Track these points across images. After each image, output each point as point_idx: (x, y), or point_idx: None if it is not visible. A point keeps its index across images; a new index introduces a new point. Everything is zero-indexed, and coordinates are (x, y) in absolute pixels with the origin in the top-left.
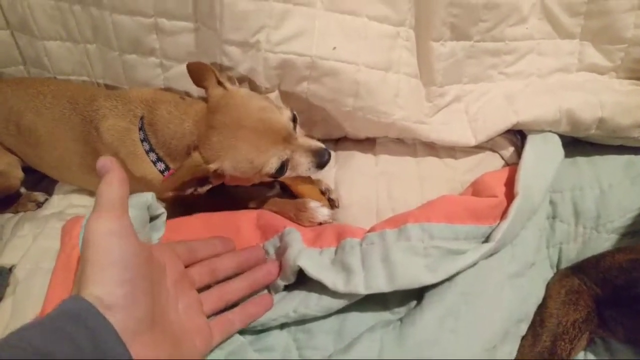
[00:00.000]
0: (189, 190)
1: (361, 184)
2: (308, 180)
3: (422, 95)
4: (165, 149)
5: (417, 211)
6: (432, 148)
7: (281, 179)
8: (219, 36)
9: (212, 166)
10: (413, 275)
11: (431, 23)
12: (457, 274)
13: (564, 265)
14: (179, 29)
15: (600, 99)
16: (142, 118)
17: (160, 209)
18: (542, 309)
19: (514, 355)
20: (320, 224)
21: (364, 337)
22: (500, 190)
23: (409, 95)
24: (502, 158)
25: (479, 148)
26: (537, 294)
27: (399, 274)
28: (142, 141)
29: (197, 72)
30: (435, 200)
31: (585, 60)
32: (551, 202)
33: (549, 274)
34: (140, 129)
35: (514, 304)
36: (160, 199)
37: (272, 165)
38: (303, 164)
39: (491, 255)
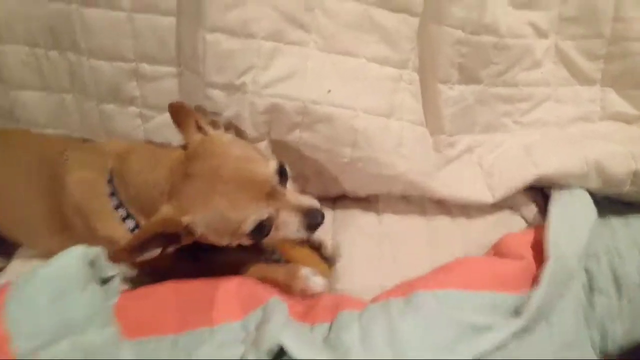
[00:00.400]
0: (156, 251)
1: (363, 247)
2: (301, 242)
3: (429, 145)
4: (136, 204)
5: (430, 276)
6: (443, 206)
7: (266, 241)
8: (202, 78)
9: (184, 219)
10: (426, 355)
11: (438, 63)
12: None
13: (611, 350)
14: (160, 74)
15: (631, 150)
16: (111, 170)
17: (113, 271)
18: None
19: None
20: (314, 294)
21: None
22: (527, 252)
23: (414, 144)
24: (524, 219)
25: (497, 207)
26: None
27: (408, 353)
28: (110, 195)
29: (178, 114)
30: (451, 263)
31: (608, 108)
32: (586, 271)
33: None
34: (110, 181)
35: None
36: (128, 263)
37: (249, 224)
38: (290, 225)
39: (524, 335)
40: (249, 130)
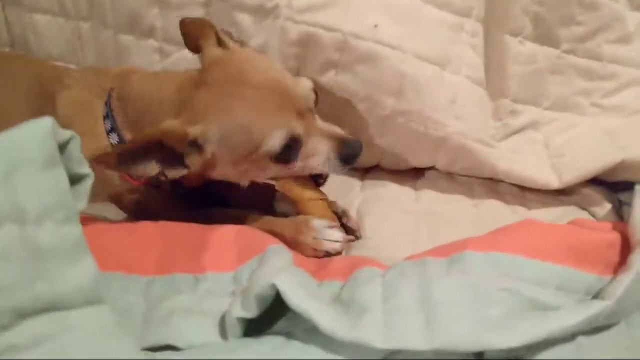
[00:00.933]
0: (149, 167)
1: (394, 220)
2: (318, 193)
3: (488, 110)
4: (136, 128)
5: (484, 237)
6: (494, 190)
7: (286, 175)
8: (230, 1)
9: (192, 130)
10: (469, 329)
11: (509, 10)
12: (542, 346)
13: None
14: (186, 1)
15: None
16: (110, 91)
17: (85, 169)
18: None
19: None
20: (329, 254)
21: None
22: (610, 236)
23: (470, 104)
24: (594, 217)
25: (561, 200)
26: None
27: (446, 323)
28: (104, 118)
29: (192, 30)
30: (515, 224)
31: None
32: None
33: None
34: (106, 103)
35: None
36: (115, 202)
37: (277, 138)
38: (321, 153)
39: (597, 331)
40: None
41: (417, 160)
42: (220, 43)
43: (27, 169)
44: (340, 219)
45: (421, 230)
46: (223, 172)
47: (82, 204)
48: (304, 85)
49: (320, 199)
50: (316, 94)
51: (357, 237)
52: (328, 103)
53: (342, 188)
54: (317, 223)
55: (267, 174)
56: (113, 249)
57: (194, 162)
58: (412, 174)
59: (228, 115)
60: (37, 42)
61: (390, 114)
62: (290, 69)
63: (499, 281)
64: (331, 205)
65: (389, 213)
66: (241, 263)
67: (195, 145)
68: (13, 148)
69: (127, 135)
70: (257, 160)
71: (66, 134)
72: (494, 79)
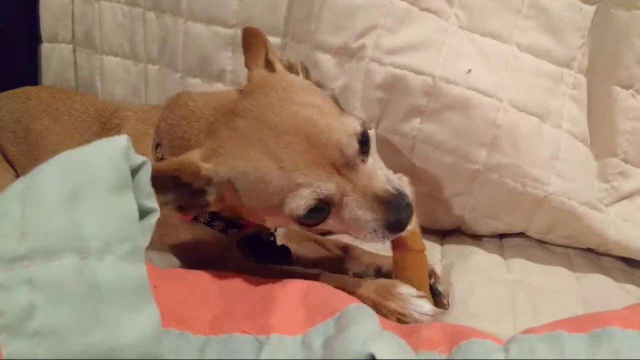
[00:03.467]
0: (168, 201)
1: (486, 289)
2: (414, 253)
3: (593, 170)
4: (170, 138)
5: (626, 313)
6: (596, 263)
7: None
8: (311, 40)
9: (205, 166)
10: None
11: (619, 60)
12: None
13: None
14: None
15: None
16: (161, 116)
17: (152, 201)
18: None
19: None
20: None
21: None
22: None
23: (573, 161)
24: None
25: None
26: None
27: None
28: (155, 148)
29: (250, 39)
30: None
31: None
32: None
33: None
34: (157, 131)
35: None
36: (174, 250)
37: (298, 200)
38: (360, 217)
39: None
40: (357, 110)
41: (509, 222)
42: (267, 64)
43: (94, 192)
44: (431, 278)
45: (519, 302)
46: (250, 217)
47: (147, 240)
48: (348, 128)
49: (417, 260)
50: (364, 136)
51: (445, 307)
52: (405, 154)
53: None
54: (405, 291)
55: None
56: (165, 300)
57: (215, 200)
58: (497, 241)
59: (243, 161)
60: (102, 83)
61: (482, 168)
62: (372, 115)
63: None
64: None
65: (479, 282)
66: (312, 325)
67: (210, 180)
68: (82, 167)
69: (165, 149)
70: (279, 213)
71: (139, 158)
72: (599, 135)
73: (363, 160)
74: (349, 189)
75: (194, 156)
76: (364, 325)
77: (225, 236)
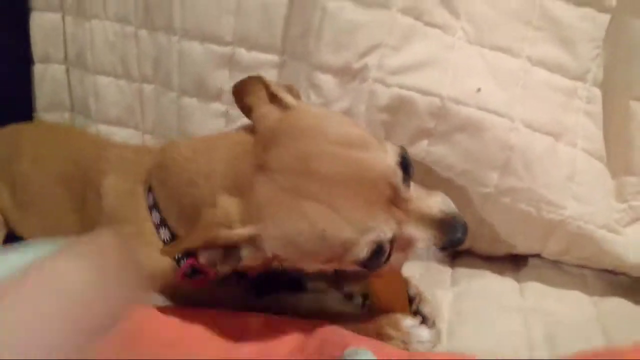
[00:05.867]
0: (201, 261)
1: (500, 320)
2: (391, 274)
3: (610, 189)
4: (179, 208)
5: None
6: (613, 284)
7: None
8: (310, 59)
9: (245, 231)
10: None
11: (636, 72)
12: None
13: None
14: (259, 62)
15: None
16: (151, 172)
17: None
18: None
19: None
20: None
21: None
22: None
23: (590, 182)
24: None
25: None
26: None
27: None
28: (150, 210)
29: (241, 91)
30: None
31: None
32: None
33: None
34: (149, 189)
35: None
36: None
37: (365, 248)
38: (419, 241)
39: None
40: None
41: (523, 246)
42: (272, 98)
43: None
44: (412, 302)
45: (534, 332)
46: (290, 266)
47: None
48: (390, 157)
49: (394, 283)
50: (405, 160)
51: (431, 327)
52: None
53: (428, 278)
54: (408, 323)
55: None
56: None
57: (252, 258)
58: (511, 262)
59: (295, 221)
60: (96, 104)
61: (494, 192)
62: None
63: None
64: (404, 283)
65: (492, 312)
66: None
67: (253, 242)
68: None
69: (173, 221)
70: (338, 264)
71: None
72: (616, 152)
73: (408, 186)
74: (405, 218)
75: (228, 215)
76: None
77: (237, 288)
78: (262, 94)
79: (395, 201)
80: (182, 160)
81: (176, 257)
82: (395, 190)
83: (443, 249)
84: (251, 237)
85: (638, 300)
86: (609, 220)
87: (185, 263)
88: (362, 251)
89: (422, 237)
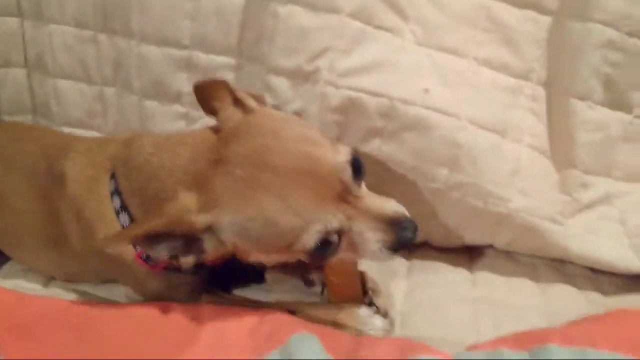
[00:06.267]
0: (161, 254)
1: (450, 311)
2: (346, 266)
3: (555, 183)
4: (141, 198)
5: (567, 328)
6: (562, 272)
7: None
8: (264, 63)
9: (203, 219)
10: None
11: (576, 73)
12: None
13: None
14: (216, 65)
15: None
16: (114, 160)
17: None
18: None
19: None
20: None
21: None
22: None
23: (534, 176)
24: None
25: None
26: None
27: None
28: (111, 195)
29: (206, 93)
30: (602, 315)
31: None
32: None
33: None
34: (112, 176)
35: None
36: (135, 289)
37: (311, 237)
38: (369, 241)
39: None
40: None
41: (474, 238)
42: (236, 102)
43: None
44: (367, 294)
45: (482, 322)
46: (254, 258)
47: None
48: (342, 157)
49: (348, 273)
50: (357, 162)
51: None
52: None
53: (385, 269)
54: (363, 312)
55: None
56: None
57: (213, 248)
58: (465, 253)
59: (248, 208)
60: (58, 107)
61: (444, 187)
62: (329, 137)
63: None
64: (359, 275)
65: (443, 303)
66: (259, 356)
67: (212, 232)
68: None
69: (135, 209)
70: (290, 253)
71: None
72: (559, 148)
73: (359, 186)
74: (354, 214)
75: (186, 203)
76: (307, 355)
77: (196, 277)
78: (227, 97)
79: (345, 197)
80: (146, 154)
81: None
82: (345, 186)
83: (393, 250)
84: (209, 224)
85: (583, 286)
86: (552, 213)
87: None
88: (310, 240)
89: (372, 237)
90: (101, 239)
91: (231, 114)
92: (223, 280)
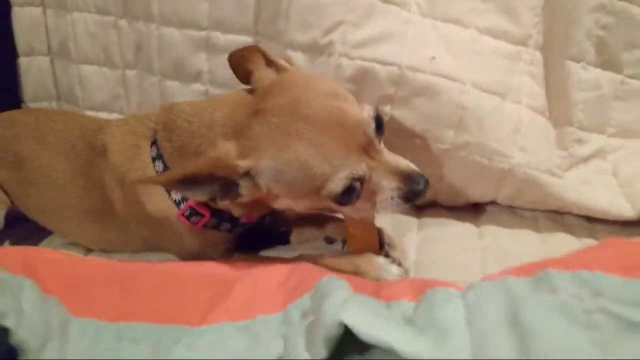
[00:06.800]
0: (202, 194)
1: (460, 258)
2: (366, 220)
3: (552, 139)
4: (183, 156)
5: (566, 258)
6: (560, 223)
7: (349, 213)
8: (281, 39)
9: (244, 163)
10: (566, 346)
11: (570, 35)
12: None
13: None
14: (234, 44)
15: None
16: (156, 128)
17: None
18: None
19: None
20: None
21: None
22: None
23: (534, 134)
24: None
25: (633, 231)
26: None
27: (542, 347)
28: (153, 160)
29: (239, 60)
30: (598, 245)
31: None
32: None
33: None
34: (153, 143)
35: None
36: (180, 254)
37: (339, 181)
38: (385, 191)
39: None
40: None
41: (479, 194)
42: (269, 64)
43: None
44: (383, 248)
45: (490, 267)
46: (281, 204)
47: None
48: (366, 112)
49: (367, 228)
50: (379, 119)
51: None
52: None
53: (398, 227)
54: (380, 261)
55: (329, 209)
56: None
57: (249, 192)
58: (471, 210)
59: (284, 153)
60: (82, 91)
61: (451, 148)
62: None
63: (591, 301)
64: (377, 231)
65: (453, 252)
66: (291, 302)
67: (249, 176)
68: None
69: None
70: (318, 198)
71: None
72: (556, 107)
73: (379, 141)
74: (374, 165)
75: (226, 149)
76: (336, 296)
77: (232, 235)
78: (260, 60)
79: (367, 150)
80: (186, 114)
81: (176, 201)
82: (368, 139)
83: (406, 199)
84: (247, 168)
85: (580, 234)
86: (551, 166)
87: (185, 204)
88: (337, 185)
89: (388, 185)
90: (142, 178)
91: (265, 74)
92: (252, 242)
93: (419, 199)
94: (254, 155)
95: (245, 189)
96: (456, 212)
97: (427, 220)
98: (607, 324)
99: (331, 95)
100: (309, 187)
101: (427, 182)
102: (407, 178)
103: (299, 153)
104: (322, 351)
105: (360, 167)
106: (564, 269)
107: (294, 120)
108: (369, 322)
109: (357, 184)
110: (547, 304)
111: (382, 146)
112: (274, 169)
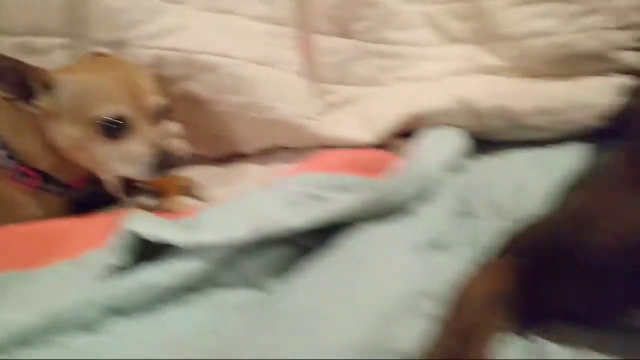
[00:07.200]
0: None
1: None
2: (169, 180)
3: (311, 92)
4: None
5: (299, 166)
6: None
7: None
8: (92, 39)
9: (51, 74)
10: (277, 219)
11: (314, 16)
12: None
13: None
14: (52, 46)
15: (496, 88)
16: None
17: None
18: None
19: (416, 332)
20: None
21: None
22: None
23: (295, 90)
24: None
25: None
26: (453, 277)
27: (262, 218)
28: None
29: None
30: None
31: (479, 62)
32: (465, 200)
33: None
34: None
35: (417, 276)
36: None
37: (109, 108)
38: (135, 154)
39: (383, 222)
40: None
41: (264, 143)
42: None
43: None
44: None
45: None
46: (55, 130)
47: None
48: (156, 95)
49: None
50: (167, 110)
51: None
52: (188, 113)
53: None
54: (186, 200)
55: (96, 149)
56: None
57: (42, 103)
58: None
59: (80, 76)
60: None
61: (235, 110)
62: None
63: (297, 189)
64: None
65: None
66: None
67: (48, 89)
68: None
69: None
70: (86, 125)
71: None
72: (311, 69)
73: (160, 122)
74: (144, 131)
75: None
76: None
77: (67, 200)
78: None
79: (146, 116)
80: None
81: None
82: (148, 109)
83: (150, 168)
84: (51, 78)
85: None
86: (311, 113)
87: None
88: (106, 111)
89: (142, 150)
90: None
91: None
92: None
93: (161, 172)
94: (64, 74)
95: (40, 98)
96: (256, 159)
97: (235, 167)
98: (305, 200)
99: (136, 67)
100: (82, 108)
101: (171, 162)
102: (160, 151)
103: (91, 79)
104: (120, 254)
105: (127, 110)
106: (290, 175)
107: (99, 64)
108: (147, 224)
109: (122, 126)
110: (272, 193)
111: (162, 126)
112: (68, 89)
